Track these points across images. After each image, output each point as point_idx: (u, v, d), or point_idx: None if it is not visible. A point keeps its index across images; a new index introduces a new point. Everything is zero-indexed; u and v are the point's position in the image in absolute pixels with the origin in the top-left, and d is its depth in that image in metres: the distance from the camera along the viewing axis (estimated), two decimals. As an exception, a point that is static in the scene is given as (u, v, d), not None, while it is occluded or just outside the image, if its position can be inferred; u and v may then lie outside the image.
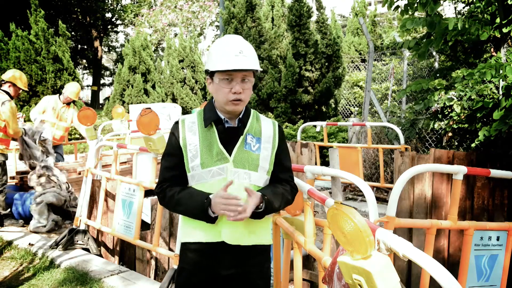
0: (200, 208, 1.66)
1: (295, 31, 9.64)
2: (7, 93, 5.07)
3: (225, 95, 1.69)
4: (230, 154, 1.72)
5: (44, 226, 4.94)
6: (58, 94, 6.65)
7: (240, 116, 1.76)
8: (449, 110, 4.18)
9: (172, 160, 1.77)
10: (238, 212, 1.61)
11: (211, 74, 1.72)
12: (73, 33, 26.84)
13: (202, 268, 1.74)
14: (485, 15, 4.03)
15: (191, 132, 1.75)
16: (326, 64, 9.81)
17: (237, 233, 1.71)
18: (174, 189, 1.74)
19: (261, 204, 1.68)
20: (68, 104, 6.60)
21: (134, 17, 26.28)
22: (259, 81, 9.79)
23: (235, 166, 1.71)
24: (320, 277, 1.94)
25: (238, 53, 1.66)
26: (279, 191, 1.77)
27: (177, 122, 1.80)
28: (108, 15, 29.76)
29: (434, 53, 7.61)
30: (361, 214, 1.23)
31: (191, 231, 1.76)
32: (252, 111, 1.83)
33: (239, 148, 1.73)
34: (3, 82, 5.14)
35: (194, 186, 1.75)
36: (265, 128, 1.81)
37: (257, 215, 1.69)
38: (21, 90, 5.31)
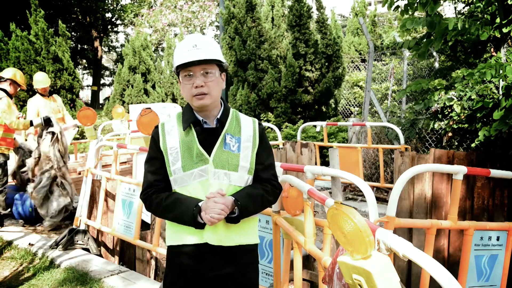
0: (190, 215, 1.65)
1: (295, 31, 9.63)
2: (5, 91, 5.07)
3: (188, 91, 1.70)
4: (210, 155, 1.71)
5: (53, 217, 4.88)
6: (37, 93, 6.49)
7: (218, 116, 1.76)
8: (449, 110, 4.18)
9: (155, 165, 1.77)
10: (223, 213, 1.62)
11: (178, 75, 1.75)
12: (73, 33, 26.84)
13: (189, 270, 1.74)
14: (485, 15, 4.03)
15: (171, 136, 1.75)
16: (326, 64, 9.81)
17: (219, 234, 1.70)
18: (161, 195, 1.73)
19: (235, 209, 1.67)
20: (50, 95, 6.53)
21: (134, 17, 26.25)
22: (259, 81, 9.79)
23: (215, 167, 1.70)
24: (320, 277, 1.94)
25: (192, 47, 1.68)
26: (258, 193, 1.75)
27: (157, 127, 1.81)
28: (108, 15, 29.75)
29: (434, 53, 7.61)
30: (361, 214, 1.23)
31: (176, 234, 1.77)
32: (232, 110, 1.83)
33: (219, 149, 1.72)
34: (2, 80, 5.14)
35: (177, 190, 1.75)
36: (245, 127, 1.79)
37: (231, 219, 1.68)
38: (19, 89, 5.31)
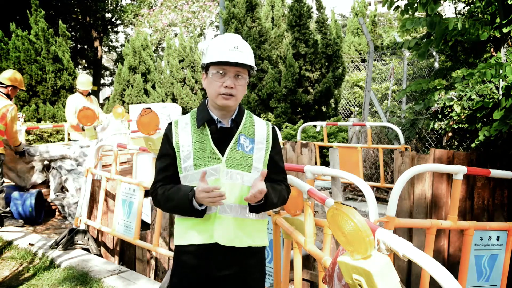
0: (186, 201, 1.64)
1: (295, 31, 9.63)
2: (7, 95, 5.10)
3: (216, 88, 1.69)
4: (223, 154, 1.71)
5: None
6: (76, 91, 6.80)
7: (233, 116, 1.76)
8: (449, 110, 4.18)
9: (166, 161, 1.77)
10: (223, 198, 1.60)
11: (206, 68, 1.74)
12: (73, 33, 26.80)
13: (196, 269, 1.74)
14: (485, 15, 4.03)
15: (184, 133, 1.75)
16: (326, 64, 9.80)
17: (230, 234, 1.70)
18: (165, 186, 1.74)
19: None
20: (89, 95, 6.74)
21: (134, 17, 26.26)
22: (259, 81, 9.78)
23: (227, 167, 1.71)
24: (320, 277, 1.94)
25: (233, 48, 1.68)
26: (278, 188, 1.78)
27: (170, 124, 1.81)
28: (108, 15, 29.73)
29: (434, 53, 7.61)
30: (361, 214, 1.23)
31: (184, 233, 1.76)
32: (246, 111, 1.83)
33: (232, 149, 1.72)
34: (2, 85, 5.13)
35: None
36: (258, 129, 1.80)
37: (255, 208, 1.69)
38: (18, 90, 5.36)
